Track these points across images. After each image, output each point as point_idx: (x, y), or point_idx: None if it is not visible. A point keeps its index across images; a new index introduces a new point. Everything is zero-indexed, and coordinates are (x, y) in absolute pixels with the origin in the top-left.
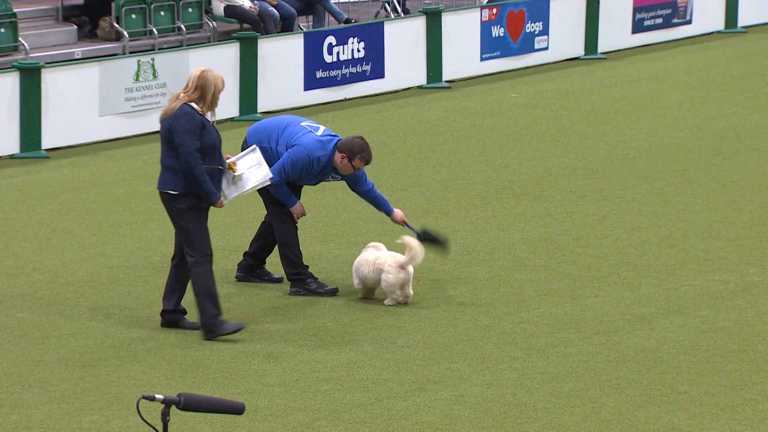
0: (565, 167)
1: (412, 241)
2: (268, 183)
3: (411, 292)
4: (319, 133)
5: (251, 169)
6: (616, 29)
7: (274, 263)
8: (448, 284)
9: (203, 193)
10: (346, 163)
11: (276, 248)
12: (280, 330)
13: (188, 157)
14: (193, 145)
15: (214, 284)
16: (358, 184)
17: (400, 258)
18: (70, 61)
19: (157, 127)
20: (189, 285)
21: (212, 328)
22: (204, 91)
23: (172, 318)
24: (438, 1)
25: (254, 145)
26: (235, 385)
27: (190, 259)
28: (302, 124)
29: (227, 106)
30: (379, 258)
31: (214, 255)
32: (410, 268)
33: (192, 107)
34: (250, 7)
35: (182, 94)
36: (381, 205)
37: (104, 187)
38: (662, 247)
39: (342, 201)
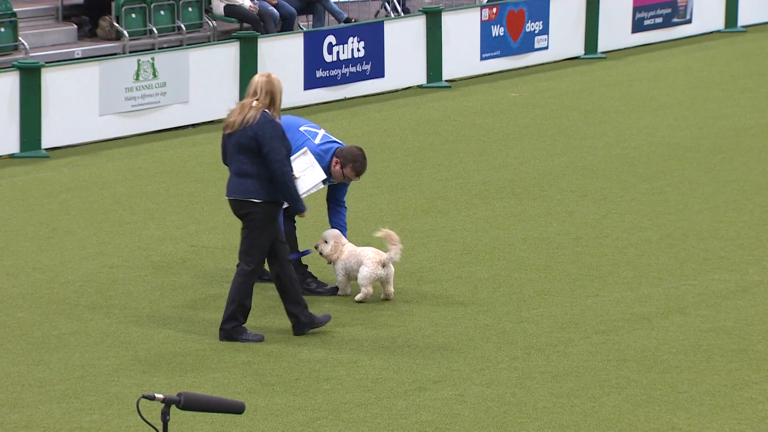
0: (565, 167)
1: (395, 235)
2: (322, 185)
3: (392, 290)
4: (318, 140)
5: (306, 171)
6: (616, 29)
7: None
8: (448, 283)
9: (292, 201)
10: (338, 169)
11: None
12: (280, 329)
13: (281, 164)
14: (283, 153)
15: (251, 299)
16: (338, 194)
17: (383, 254)
18: (70, 60)
19: (156, 126)
20: (286, 281)
21: (233, 335)
22: (273, 96)
23: (305, 319)
24: (438, 0)
25: (305, 147)
26: (234, 384)
27: (246, 267)
28: (301, 129)
29: (227, 105)
30: (363, 250)
31: (214, 254)
32: (391, 266)
33: (270, 114)
34: (250, 6)
35: (255, 102)
36: (339, 226)
37: (104, 187)
38: (662, 246)
39: None
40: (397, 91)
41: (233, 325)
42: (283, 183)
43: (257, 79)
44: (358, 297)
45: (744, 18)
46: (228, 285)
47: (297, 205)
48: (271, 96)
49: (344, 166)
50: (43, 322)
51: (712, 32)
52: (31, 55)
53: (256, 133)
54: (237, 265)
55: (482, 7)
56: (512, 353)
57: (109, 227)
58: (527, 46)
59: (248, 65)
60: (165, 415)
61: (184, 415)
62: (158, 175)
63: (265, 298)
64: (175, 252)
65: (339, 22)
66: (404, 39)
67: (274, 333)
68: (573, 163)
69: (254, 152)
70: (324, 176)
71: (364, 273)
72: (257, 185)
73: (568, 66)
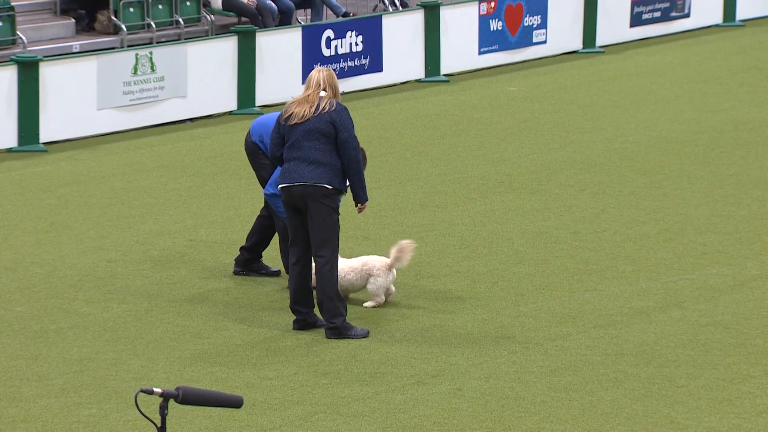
0: (563, 161)
1: (403, 242)
2: None
3: (393, 289)
4: None
5: None
6: (615, 23)
7: (272, 257)
8: (446, 278)
9: (362, 189)
10: None
11: (272, 242)
12: (278, 324)
13: (357, 152)
14: (358, 141)
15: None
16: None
17: (386, 260)
18: (68, 54)
19: (154, 120)
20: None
21: (343, 331)
22: (336, 89)
23: (311, 319)
24: None
25: None
26: (233, 378)
27: (322, 259)
28: None
29: (225, 99)
30: (366, 263)
31: (212, 248)
32: (394, 271)
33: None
34: (248, 0)
35: (323, 93)
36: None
37: (102, 181)
38: (660, 240)
39: None
40: (395, 85)
41: (342, 321)
42: (357, 170)
43: (318, 74)
44: (368, 304)
45: (742, 12)
46: (226, 279)
47: (363, 194)
48: (335, 89)
49: None
50: (41, 317)
51: (710, 26)
52: (28, 49)
53: (335, 119)
54: (293, 262)
55: (480, 1)
56: (510, 347)
57: (107, 221)
58: (525, 41)
59: (246, 60)
60: (163, 410)
61: (182, 409)
62: (156, 170)
63: (263, 293)
64: (173, 246)
65: (337, 17)
66: (402, 33)
67: (272, 327)
68: (571, 157)
69: (329, 138)
70: None
71: (379, 283)
72: (330, 173)
73: (566, 60)
